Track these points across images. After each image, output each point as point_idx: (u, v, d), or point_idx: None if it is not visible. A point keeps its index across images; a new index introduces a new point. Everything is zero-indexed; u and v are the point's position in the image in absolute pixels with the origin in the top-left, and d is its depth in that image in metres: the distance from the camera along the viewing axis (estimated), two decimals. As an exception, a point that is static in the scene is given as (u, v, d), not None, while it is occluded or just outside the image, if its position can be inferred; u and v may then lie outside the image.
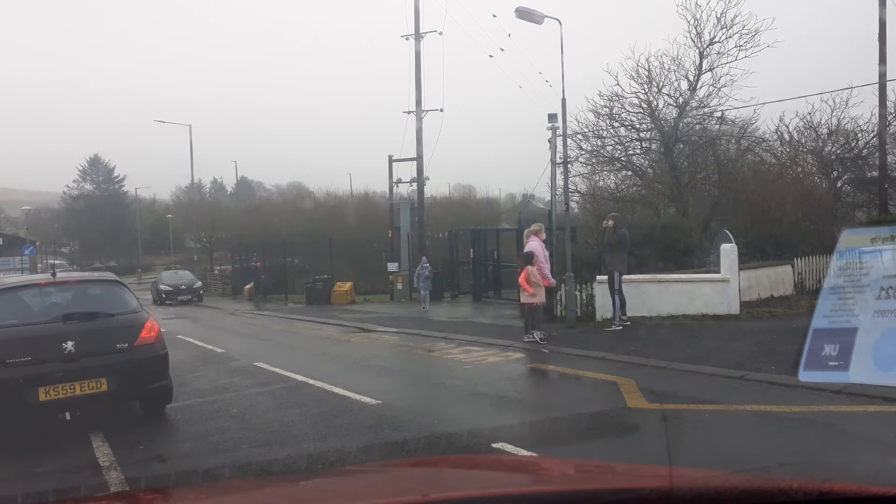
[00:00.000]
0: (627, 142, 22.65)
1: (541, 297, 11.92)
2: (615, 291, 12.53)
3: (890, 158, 19.13)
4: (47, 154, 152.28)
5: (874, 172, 18.95)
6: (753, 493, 1.65)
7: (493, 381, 9.03)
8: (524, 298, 11.98)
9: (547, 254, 12.71)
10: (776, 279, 15.40)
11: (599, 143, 22.59)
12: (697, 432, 6.35)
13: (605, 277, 13.20)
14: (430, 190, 29.55)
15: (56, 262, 42.44)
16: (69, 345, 6.83)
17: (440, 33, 32.32)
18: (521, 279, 11.72)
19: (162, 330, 8.02)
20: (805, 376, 1.89)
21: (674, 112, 21.42)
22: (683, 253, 15.86)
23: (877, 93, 16.35)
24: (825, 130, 21.31)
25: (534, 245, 12.10)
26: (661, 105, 21.56)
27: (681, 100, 21.21)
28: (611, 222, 12.88)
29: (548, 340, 11.67)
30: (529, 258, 11.81)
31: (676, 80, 21.12)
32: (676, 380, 8.60)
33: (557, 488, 2.21)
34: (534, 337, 11.69)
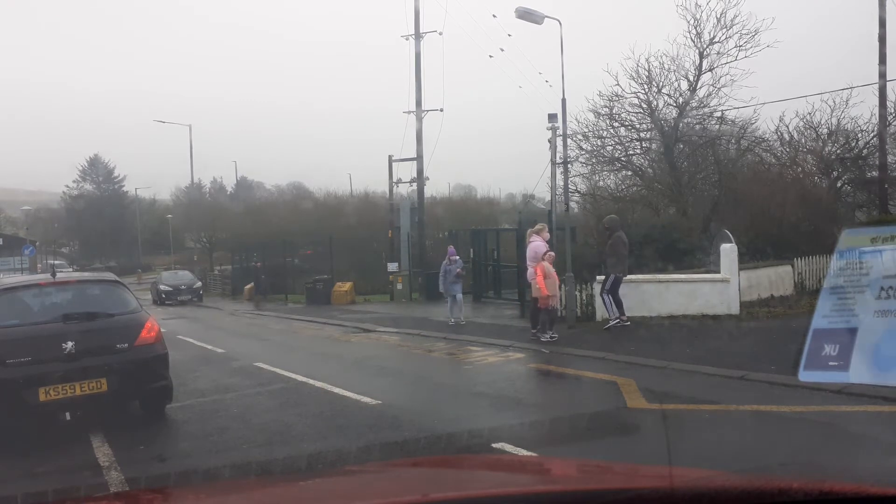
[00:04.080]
0: (627, 142, 22.67)
1: (554, 292, 11.96)
2: (604, 291, 12.55)
3: (890, 158, 19.12)
4: (47, 154, 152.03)
5: (874, 172, 18.94)
6: (753, 493, 1.65)
7: (493, 381, 9.03)
8: (535, 294, 11.95)
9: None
10: (776, 279, 15.39)
11: (599, 143, 22.60)
12: (697, 432, 6.35)
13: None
14: (430, 190, 29.50)
15: (56, 262, 42.52)
16: (69, 345, 6.83)
17: (440, 33, 32.40)
18: (539, 278, 11.70)
19: (162, 330, 8.03)
20: (805, 376, 1.89)
21: (674, 112, 21.44)
22: (683, 253, 15.85)
23: (877, 93, 16.36)
24: (825, 130, 21.29)
25: (538, 244, 12.11)
26: (661, 105, 21.60)
27: (681, 100, 21.23)
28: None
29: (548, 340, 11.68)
30: (543, 254, 11.84)
31: (676, 80, 21.16)
32: (676, 380, 8.60)
33: (557, 488, 2.21)
34: (550, 336, 11.68)
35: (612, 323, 12.38)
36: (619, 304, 12.53)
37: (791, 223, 17.47)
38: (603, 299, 12.65)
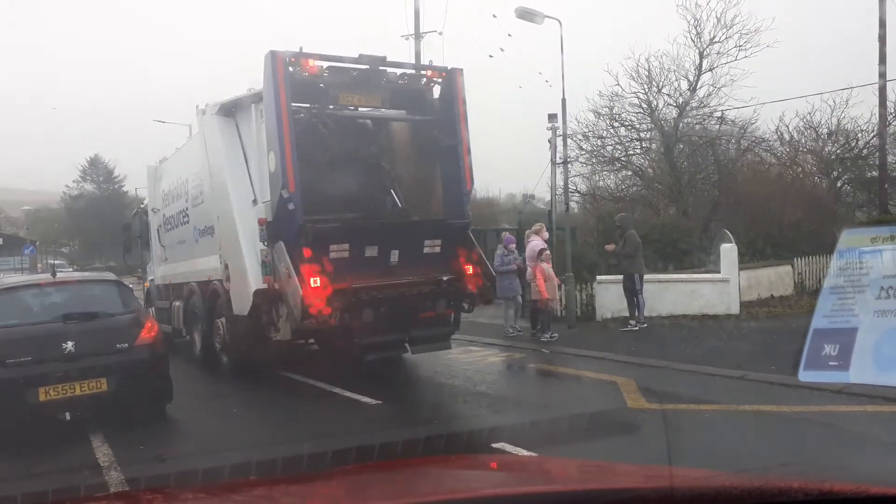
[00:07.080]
0: (627, 142, 22.68)
1: (553, 295, 11.96)
2: (639, 291, 12.25)
3: (890, 158, 19.11)
4: (47, 154, 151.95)
5: (874, 172, 18.94)
6: (753, 493, 1.65)
7: (493, 381, 9.03)
8: (535, 296, 11.92)
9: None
10: (776, 279, 15.38)
11: (599, 143, 22.62)
12: (697, 432, 6.35)
13: (607, 277, 13.40)
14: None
15: (56, 262, 42.51)
16: (69, 345, 6.82)
17: (440, 33, 32.20)
18: (539, 281, 11.68)
19: (161, 330, 8.03)
20: (805, 376, 1.90)
21: (674, 112, 21.46)
22: (683, 253, 15.84)
23: (877, 93, 16.35)
24: (825, 130, 21.30)
25: (536, 243, 12.10)
26: (661, 105, 21.62)
27: (681, 100, 21.26)
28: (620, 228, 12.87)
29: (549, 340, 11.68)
30: (542, 253, 11.84)
31: (676, 80, 21.19)
32: (676, 380, 8.60)
33: (557, 488, 2.21)
34: (550, 336, 11.66)
35: (640, 325, 12.10)
36: (634, 304, 12.36)
37: (791, 223, 17.45)
38: (636, 300, 12.26)
